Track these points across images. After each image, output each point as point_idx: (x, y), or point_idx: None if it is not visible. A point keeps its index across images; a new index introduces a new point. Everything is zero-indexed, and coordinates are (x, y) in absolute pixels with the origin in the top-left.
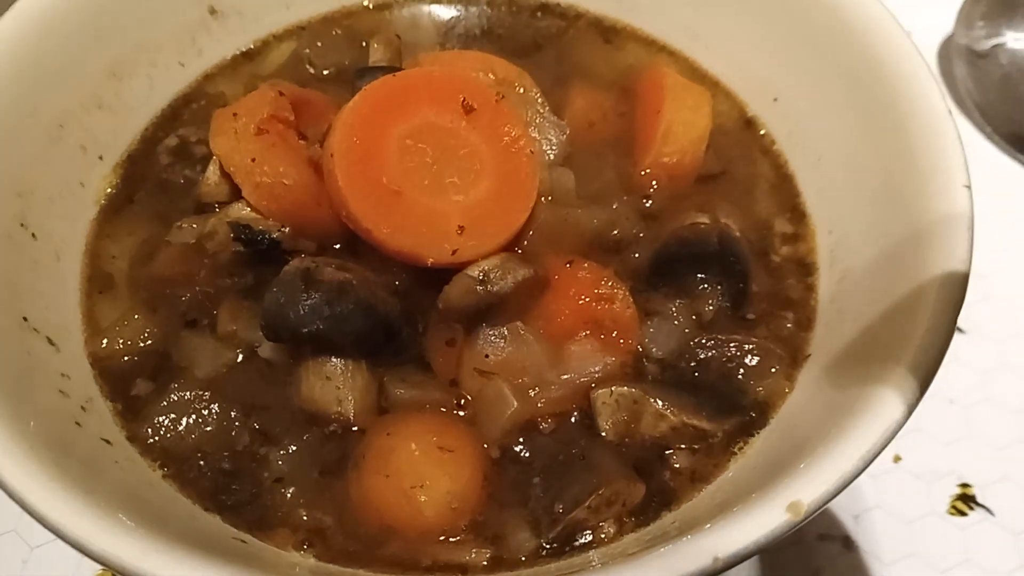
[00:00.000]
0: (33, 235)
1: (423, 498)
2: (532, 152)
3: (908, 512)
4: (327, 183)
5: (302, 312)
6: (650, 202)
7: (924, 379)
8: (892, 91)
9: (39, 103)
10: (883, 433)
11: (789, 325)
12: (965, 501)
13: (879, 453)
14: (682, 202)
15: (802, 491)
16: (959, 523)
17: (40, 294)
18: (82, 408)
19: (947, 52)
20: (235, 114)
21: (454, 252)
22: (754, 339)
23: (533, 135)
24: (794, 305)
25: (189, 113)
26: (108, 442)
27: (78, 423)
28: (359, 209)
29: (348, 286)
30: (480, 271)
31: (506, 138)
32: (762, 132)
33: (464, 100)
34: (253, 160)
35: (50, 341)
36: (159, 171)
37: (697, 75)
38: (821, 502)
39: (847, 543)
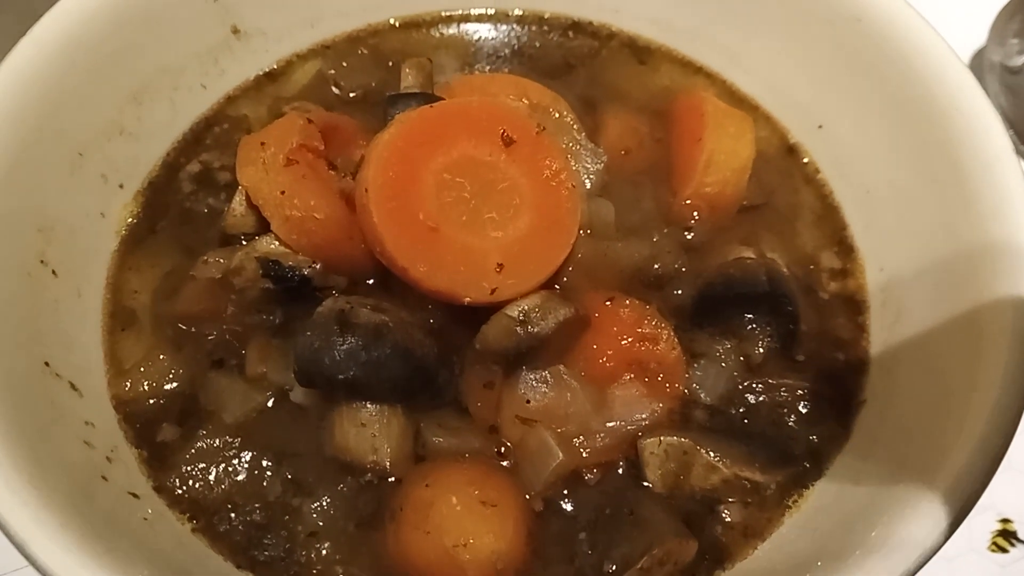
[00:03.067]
0: (54, 272)
1: (467, 557)
2: (573, 186)
3: (948, 549)
4: (361, 219)
5: (337, 357)
6: (691, 234)
7: (1007, 431)
8: (949, 125)
9: (59, 132)
10: (965, 500)
11: (841, 368)
12: (1006, 537)
13: (964, 519)
14: (724, 234)
15: (879, 567)
16: (1000, 560)
17: (62, 335)
18: (107, 459)
19: (979, 67)
20: (263, 143)
21: (493, 291)
22: (806, 383)
23: (573, 167)
24: (845, 346)
25: (212, 137)
26: (135, 496)
27: (104, 477)
28: (395, 247)
29: (384, 329)
30: (520, 311)
31: (546, 172)
32: (805, 160)
33: (504, 132)
34: (283, 193)
35: (73, 386)
36: (182, 199)
37: (735, 99)
38: None
39: None
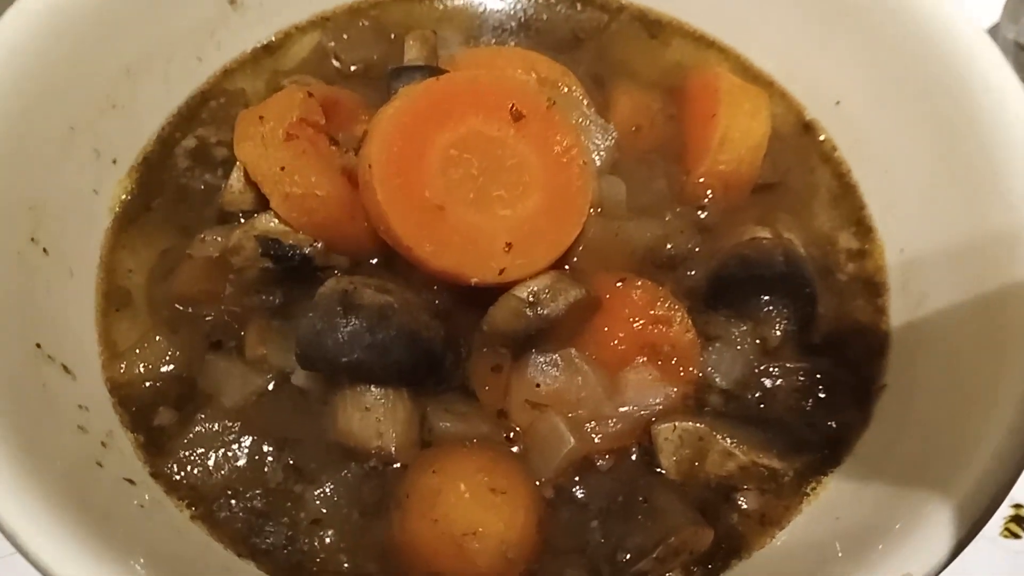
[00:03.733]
0: (45, 251)
1: (476, 546)
2: (584, 163)
3: None
4: (364, 197)
5: (341, 340)
6: (705, 213)
7: None
8: (974, 103)
9: (48, 105)
10: (994, 495)
11: (860, 352)
12: (1019, 523)
13: (992, 514)
14: (739, 214)
15: (909, 561)
16: (1013, 546)
17: (54, 316)
18: (102, 444)
19: None
20: (261, 117)
21: (501, 272)
22: (824, 367)
23: (584, 144)
24: (864, 329)
25: (207, 112)
26: (131, 482)
27: (99, 463)
28: (399, 226)
29: (389, 310)
30: (529, 292)
31: (557, 148)
32: (821, 138)
33: (513, 107)
34: (282, 169)
35: (66, 369)
36: (177, 176)
37: (750, 74)
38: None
39: None
